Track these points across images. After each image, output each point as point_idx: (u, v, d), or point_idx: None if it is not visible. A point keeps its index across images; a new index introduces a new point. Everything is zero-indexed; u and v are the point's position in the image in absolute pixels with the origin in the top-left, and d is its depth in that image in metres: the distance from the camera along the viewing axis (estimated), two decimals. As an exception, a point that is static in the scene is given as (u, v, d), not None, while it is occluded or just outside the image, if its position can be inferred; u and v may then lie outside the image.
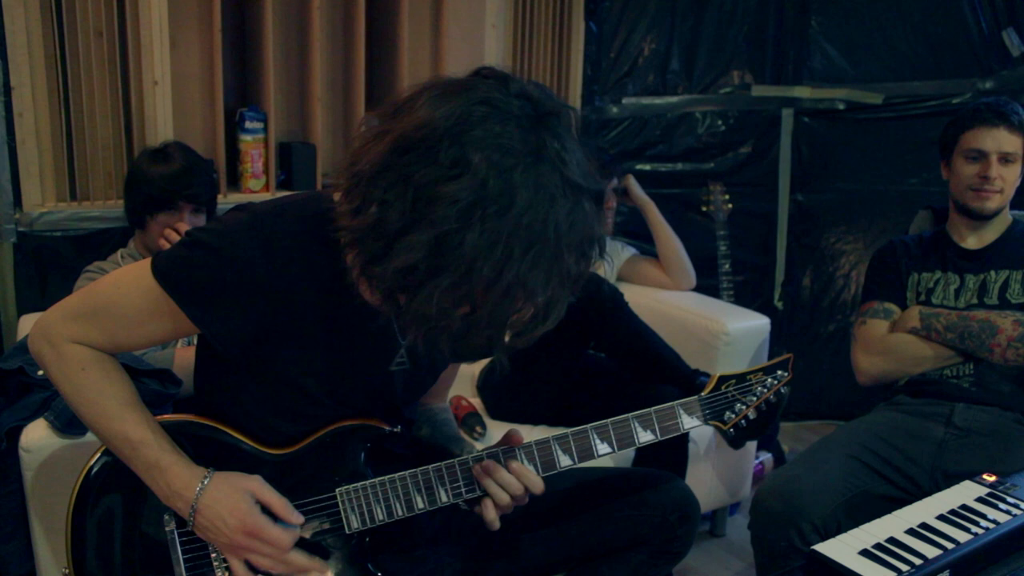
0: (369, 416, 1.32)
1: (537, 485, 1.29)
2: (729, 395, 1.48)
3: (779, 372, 1.52)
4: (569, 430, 1.36)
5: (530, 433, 2.27)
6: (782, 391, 1.51)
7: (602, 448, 1.36)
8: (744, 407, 1.48)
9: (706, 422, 1.45)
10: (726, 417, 1.47)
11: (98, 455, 1.29)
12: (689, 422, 1.42)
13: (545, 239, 0.98)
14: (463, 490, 1.29)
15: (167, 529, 1.24)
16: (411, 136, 0.99)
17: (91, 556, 1.27)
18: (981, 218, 2.08)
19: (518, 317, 1.02)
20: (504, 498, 1.28)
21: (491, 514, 1.29)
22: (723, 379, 1.48)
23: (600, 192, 1.05)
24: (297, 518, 1.23)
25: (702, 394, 1.46)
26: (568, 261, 1.01)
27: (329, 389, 1.27)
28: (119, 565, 1.27)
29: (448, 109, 0.99)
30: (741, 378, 1.49)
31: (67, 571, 1.28)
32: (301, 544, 1.26)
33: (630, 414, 1.38)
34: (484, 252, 0.96)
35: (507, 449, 1.31)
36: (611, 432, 1.37)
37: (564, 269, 1.01)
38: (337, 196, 1.11)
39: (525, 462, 1.31)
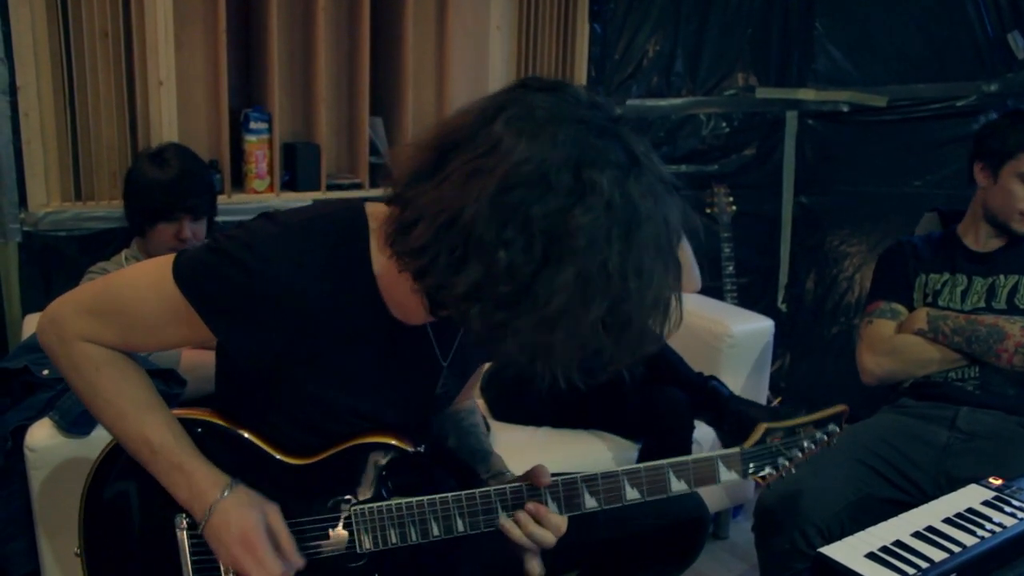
0: (392, 431, 1.28)
1: (560, 528, 1.25)
2: (773, 449, 1.37)
3: (831, 427, 1.40)
4: (599, 473, 1.29)
5: (533, 434, 2.28)
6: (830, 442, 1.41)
7: (631, 494, 1.29)
8: (787, 462, 1.37)
9: (745, 477, 1.35)
10: (766, 472, 1.36)
11: None
12: (726, 475, 1.33)
13: (669, 243, 0.99)
14: (481, 522, 1.25)
15: (178, 530, 1.23)
16: (517, 173, 0.93)
17: (103, 537, 1.26)
18: (1014, 234, 2.06)
19: (653, 322, 1.01)
20: (533, 547, 1.26)
21: (533, 566, 1.27)
22: (770, 431, 1.37)
23: (675, 180, 1.04)
24: (298, 560, 1.20)
25: (744, 446, 1.35)
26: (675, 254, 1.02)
27: (362, 408, 1.24)
28: (130, 548, 1.25)
29: (546, 137, 0.94)
30: (790, 431, 1.38)
31: (78, 552, 1.27)
32: (312, 561, 1.24)
33: (666, 461, 1.30)
34: (633, 272, 0.95)
35: (531, 489, 1.27)
36: (643, 478, 1.29)
37: (676, 263, 1.02)
38: (383, 222, 1.04)
39: (549, 501, 1.27)
